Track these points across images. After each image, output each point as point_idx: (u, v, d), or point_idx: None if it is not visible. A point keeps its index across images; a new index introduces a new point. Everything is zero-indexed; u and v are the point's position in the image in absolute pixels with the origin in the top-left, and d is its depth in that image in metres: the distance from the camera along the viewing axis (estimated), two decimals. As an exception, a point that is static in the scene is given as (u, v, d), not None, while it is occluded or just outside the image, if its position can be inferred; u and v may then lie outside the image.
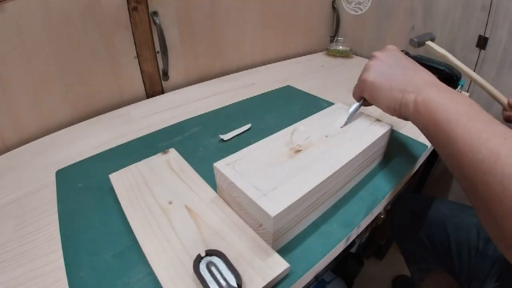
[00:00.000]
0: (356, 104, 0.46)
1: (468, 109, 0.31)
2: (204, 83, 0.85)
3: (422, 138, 0.54)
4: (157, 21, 0.68)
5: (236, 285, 0.28)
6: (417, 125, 0.38)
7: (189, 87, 0.82)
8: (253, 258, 0.31)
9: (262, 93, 0.76)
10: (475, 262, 0.59)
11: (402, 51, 0.47)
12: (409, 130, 0.57)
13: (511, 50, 0.74)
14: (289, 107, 0.69)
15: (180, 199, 0.39)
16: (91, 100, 0.68)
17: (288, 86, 0.81)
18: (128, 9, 0.65)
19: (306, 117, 0.46)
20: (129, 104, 0.73)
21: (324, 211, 0.39)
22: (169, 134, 0.58)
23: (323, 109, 0.49)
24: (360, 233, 0.42)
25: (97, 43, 0.64)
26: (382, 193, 0.43)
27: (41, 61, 0.58)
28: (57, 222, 0.39)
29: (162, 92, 0.80)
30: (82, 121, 0.66)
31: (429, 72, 0.40)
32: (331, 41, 1.14)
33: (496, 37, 0.76)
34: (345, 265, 1.01)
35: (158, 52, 0.74)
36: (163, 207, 0.38)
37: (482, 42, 0.78)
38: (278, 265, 0.31)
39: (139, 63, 0.72)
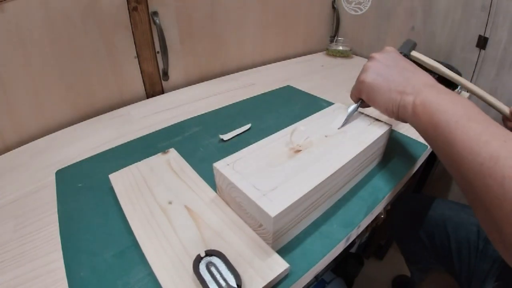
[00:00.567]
0: (354, 105, 0.45)
1: (467, 111, 0.31)
2: (204, 83, 0.85)
3: (422, 138, 0.54)
4: (157, 21, 0.68)
5: (235, 285, 0.28)
6: (415, 127, 0.37)
7: (189, 87, 0.82)
8: (253, 258, 0.31)
9: (262, 93, 0.76)
10: (475, 261, 0.59)
11: (400, 52, 0.47)
12: (409, 130, 0.57)
13: (511, 50, 0.74)
14: (289, 107, 0.69)
15: (180, 199, 0.39)
16: (91, 100, 0.68)
17: (288, 86, 0.81)
18: (128, 9, 0.65)
19: (306, 117, 0.46)
20: (129, 104, 0.73)
21: (324, 211, 0.39)
22: (169, 134, 0.58)
23: (323, 109, 0.49)
24: (360, 233, 0.42)
25: (97, 43, 0.64)
26: (382, 193, 0.43)
27: (41, 61, 0.58)
28: (57, 222, 0.39)
29: (162, 92, 0.80)
30: (82, 121, 0.66)
31: (427, 74, 0.40)
32: (331, 41, 1.14)
33: (496, 37, 0.76)
34: (345, 265, 1.00)
35: (158, 52, 0.74)
36: (163, 207, 0.38)
37: (482, 42, 0.78)
38: (278, 265, 0.31)
39: (139, 63, 0.72)
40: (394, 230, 0.83)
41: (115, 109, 0.71)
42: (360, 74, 0.44)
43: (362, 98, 0.44)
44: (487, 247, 0.58)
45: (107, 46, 0.65)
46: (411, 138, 0.55)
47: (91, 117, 0.67)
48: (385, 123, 0.44)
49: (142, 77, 0.74)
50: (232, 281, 0.28)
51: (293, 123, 0.44)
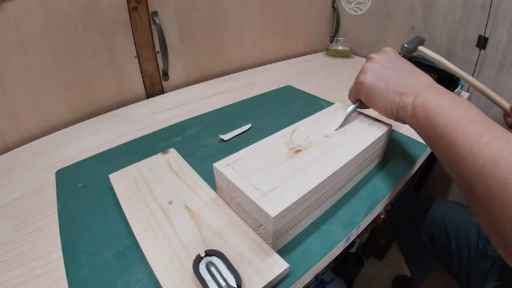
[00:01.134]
0: (352, 107, 0.45)
1: (467, 112, 0.31)
2: (204, 83, 0.85)
3: (421, 138, 0.54)
4: (157, 21, 0.68)
5: (235, 285, 0.28)
6: (415, 129, 0.37)
7: (189, 87, 0.82)
8: (253, 258, 0.31)
9: (262, 93, 0.76)
10: (475, 261, 0.59)
11: (399, 53, 0.47)
12: (409, 130, 0.57)
13: (511, 50, 0.74)
14: (289, 107, 0.69)
15: (180, 199, 0.39)
16: (91, 100, 0.68)
17: (288, 86, 0.81)
18: (128, 9, 0.65)
19: (306, 117, 0.46)
20: (129, 104, 0.73)
21: (324, 211, 0.39)
22: (169, 134, 0.58)
23: (323, 109, 0.49)
24: (360, 233, 0.42)
25: (97, 43, 0.64)
26: (382, 193, 0.43)
27: (41, 61, 0.58)
28: (57, 222, 0.39)
29: (162, 92, 0.80)
30: (82, 121, 0.66)
31: (426, 75, 0.39)
32: (331, 41, 1.14)
33: (496, 37, 0.76)
34: (345, 265, 1.00)
35: (158, 52, 0.74)
36: (163, 207, 0.38)
37: (482, 42, 0.78)
38: (278, 265, 0.31)
39: (139, 63, 0.72)
40: (394, 230, 0.83)
41: (115, 109, 0.71)
42: (359, 75, 0.43)
43: (360, 99, 0.44)
44: (487, 247, 0.58)
45: (107, 46, 0.65)
46: (411, 138, 0.55)
47: (91, 117, 0.67)
48: (385, 123, 0.44)
49: (142, 77, 0.74)
50: (232, 281, 0.28)
51: (293, 123, 0.44)
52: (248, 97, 0.74)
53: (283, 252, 0.33)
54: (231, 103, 0.71)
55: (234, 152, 0.38)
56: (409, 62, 0.42)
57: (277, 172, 0.35)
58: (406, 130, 0.57)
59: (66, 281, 0.32)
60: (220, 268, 0.29)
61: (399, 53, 0.49)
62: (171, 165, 0.46)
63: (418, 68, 0.41)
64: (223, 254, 0.30)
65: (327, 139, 0.41)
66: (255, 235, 0.34)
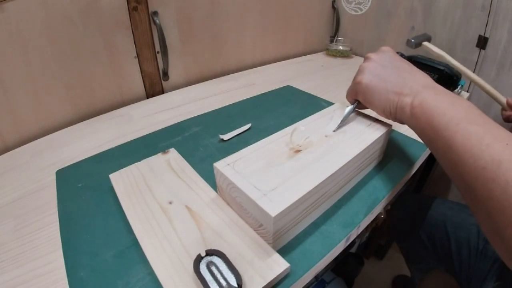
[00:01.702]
0: (350, 108, 0.45)
1: (467, 113, 0.30)
2: (204, 83, 0.85)
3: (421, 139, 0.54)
4: (157, 21, 0.68)
5: (236, 285, 0.28)
6: (414, 130, 0.36)
7: (189, 87, 0.82)
8: (253, 258, 0.31)
9: (262, 93, 0.76)
10: (475, 261, 0.59)
11: (397, 52, 0.47)
12: (409, 130, 0.57)
13: (511, 50, 0.74)
14: (289, 107, 0.69)
15: (180, 199, 0.39)
16: (91, 100, 0.68)
17: (288, 86, 0.81)
18: (128, 9, 0.65)
19: (306, 117, 0.46)
20: (129, 104, 0.73)
21: (324, 211, 0.39)
22: (169, 134, 0.58)
23: (323, 109, 0.49)
24: (360, 233, 0.42)
25: (97, 43, 0.64)
26: (382, 193, 0.43)
27: (41, 61, 0.58)
28: (57, 222, 0.39)
29: (162, 92, 0.80)
30: (82, 121, 0.66)
31: (425, 74, 0.39)
32: (331, 41, 1.14)
33: (496, 37, 0.76)
34: (345, 265, 1.01)
35: (158, 52, 0.74)
36: (163, 207, 0.38)
37: (482, 42, 0.79)
38: (278, 265, 0.31)
39: (139, 63, 0.72)
40: (394, 230, 0.83)
41: (115, 109, 0.71)
42: (356, 75, 0.43)
43: (358, 99, 0.44)
44: (487, 247, 0.58)
45: (107, 46, 0.65)
46: (411, 138, 0.55)
47: (91, 117, 0.67)
48: (385, 123, 0.44)
49: (142, 77, 0.74)
50: (233, 281, 0.28)
51: (293, 123, 0.44)
52: (248, 97, 0.74)
53: (283, 252, 0.33)
54: (231, 103, 0.71)
55: (234, 152, 0.38)
56: (408, 62, 0.42)
57: (277, 172, 0.35)
58: (406, 130, 0.57)
59: (66, 281, 0.32)
60: (220, 268, 0.29)
61: (399, 54, 0.49)
62: (171, 165, 0.46)
63: (416, 68, 0.40)
64: (224, 254, 0.30)
65: (327, 139, 0.41)
66: (255, 235, 0.34)
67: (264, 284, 0.29)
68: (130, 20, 0.66)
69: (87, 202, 0.42)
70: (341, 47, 1.09)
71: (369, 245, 1.14)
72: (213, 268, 0.29)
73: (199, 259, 0.30)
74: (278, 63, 1.03)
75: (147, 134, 0.59)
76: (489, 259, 0.57)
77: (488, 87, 0.53)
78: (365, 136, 0.41)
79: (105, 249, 0.35)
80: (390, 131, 0.45)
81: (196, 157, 0.51)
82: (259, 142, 0.40)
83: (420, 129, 0.35)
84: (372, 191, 0.43)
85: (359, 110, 0.47)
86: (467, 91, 0.84)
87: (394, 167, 0.48)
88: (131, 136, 0.58)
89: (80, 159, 0.52)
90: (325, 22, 1.15)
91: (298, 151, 0.38)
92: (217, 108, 0.69)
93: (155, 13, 0.69)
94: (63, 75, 0.62)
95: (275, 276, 0.30)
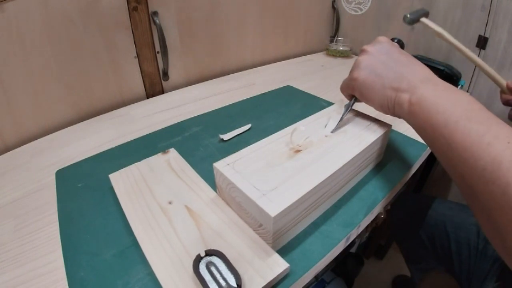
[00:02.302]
0: (347, 105, 0.44)
1: (468, 109, 0.29)
2: (204, 83, 0.85)
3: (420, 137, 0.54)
4: (157, 21, 0.68)
5: (236, 285, 0.28)
6: (412, 127, 0.35)
7: (189, 87, 0.82)
8: (253, 258, 0.31)
9: (262, 93, 0.76)
10: (475, 261, 0.59)
11: (394, 39, 0.45)
12: (409, 130, 0.57)
13: (511, 50, 0.74)
14: (289, 107, 0.69)
15: (180, 199, 0.39)
16: (91, 100, 0.68)
17: (288, 86, 0.81)
18: (128, 9, 0.65)
19: (306, 117, 0.46)
20: (129, 104, 0.73)
21: (324, 211, 0.39)
22: (169, 134, 0.58)
23: (323, 109, 0.49)
24: (360, 233, 0.42)
25: (97, 43, 0.64)
26: (382, 193, 0.43)
27: (41, 61, 0.58)
28: (57, 222, 0.39)
29: (162, 92, 0.80)
30: (82, 121, 0.66)
31: (424, 66, 0.37)
32: (331, 41, 1.14)
33: (496, 37, 0.76)
34: (345, 265, 1.00)
35: (158, 52, 0.74)
36: (163, 207, 0.38)
37: (482, 42, 0.78)
38: (278, 265, 0.31)
39: (139, 63, 0.72)
40: (394, 230, 0.83)
41: (115, 109, 0.71)
42: (352, 70, 0.41)
43: (355, 95, 0.42)
44: (487, 247, 0.58)
45: (107, 46, 0.65)
46: (411, 138, 0.55)
47: (91, 117, 0.67)
48: (385, 123, 0.44)
49: (142, 77, 0.74)
50: (232, 281, 0.28)
51: (293, 123, 0.44)
52: (248, 97, 0.74)
53: (283, 252, 0.33)
54: (231, 103, 0.71)
55: (234, 152, 0.38)
56: (406, 52, 0.40)
57: (277, 172, 0.35)
58: (405, 130, 0.57)
59: (66, 281, 0.32)
60: (220, 268, 0.29)
61: (396, 40, 0.47)
62: (171, 165, 0.46)
63: (415, 59, 0.39)
64: (223, 254, 0.30)
65: (327, 139, 0.41)
66: (255, 235, 0.34)
67: (263, 284, 0.29)
68: (130, 20, 0.66)
69: (87, 202, 0.42)
70: (341, 47, 1.09)
71: (369, 245, 1.14)
72: (213, 268, 0.29)
73: (198, 259, 0.30)
74: (278, 63, 1.03)
75: (147, 134, 0.59)
76: (489, 259, 0.57)
77: (487, 68, 0.52)
78: (365, 136, 0.41)
79: (105, 249, 0.35)
80: (389, 131, 0.45)
81: (196, 157, 0.51)
82: (259, 142, 0.40)
83: (419, 126, 0.34)
84: (372, 191, 0.43)
85: (359, 111, 0.47)
86: (467, 91, 0.84)
87: (394, 167, 0.48)
88: (131, 136, 0.58)
89: (80, 159, 0.52)
90: (325, 22, 1.15)
91: (298, 151, 0.38)
92: (217, 108, 0.69)
93: (155, 13, 0.69)
94: (63, 75, 0.62)
95: (274, 276, 0.30)
